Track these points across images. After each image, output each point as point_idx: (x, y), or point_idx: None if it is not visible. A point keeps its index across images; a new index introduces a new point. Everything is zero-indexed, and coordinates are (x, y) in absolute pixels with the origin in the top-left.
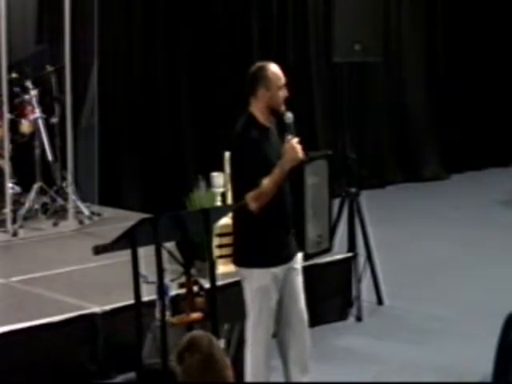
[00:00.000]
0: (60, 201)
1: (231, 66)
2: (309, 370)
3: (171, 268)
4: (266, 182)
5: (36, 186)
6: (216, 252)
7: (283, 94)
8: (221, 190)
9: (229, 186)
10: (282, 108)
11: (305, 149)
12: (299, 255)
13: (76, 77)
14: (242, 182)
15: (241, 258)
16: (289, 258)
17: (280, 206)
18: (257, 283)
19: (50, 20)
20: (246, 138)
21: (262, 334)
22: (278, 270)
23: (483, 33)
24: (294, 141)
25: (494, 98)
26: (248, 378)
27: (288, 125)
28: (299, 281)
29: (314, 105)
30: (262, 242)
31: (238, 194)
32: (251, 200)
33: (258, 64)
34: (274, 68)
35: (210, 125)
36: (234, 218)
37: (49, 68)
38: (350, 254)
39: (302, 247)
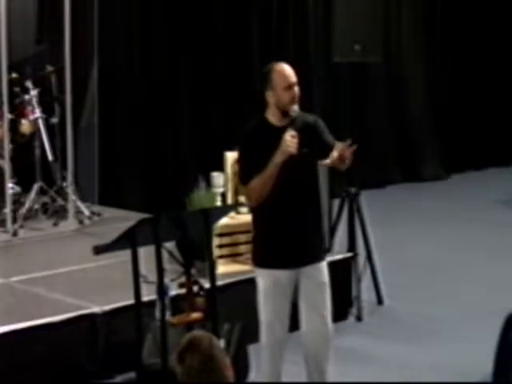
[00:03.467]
0: (60, 201)
1: (231, 65)
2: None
3: (171, 268)
4: (258, 176)
5: (36, 186)
6: (216, 252)
7: (291, 93)
8: (221, 189)
9: (229, 186)
10: (294, 108)
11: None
12: (323, 264)
13: (76, 77)
14: (243, 180)
15: (252, 256)
16: (298, 262)
17: (284, 205)
18: (260, 283)
19: (50, 20)
20: (249, 137)
21: (266, 334)
22: (281, 274)
23: (483, 33)
24: (289, 134)
25: (494, 97)
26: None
27: (291, 118)
28: (318, 290)
29: (314, 105)
30: (265, 242)
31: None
32: (246, 196)
33: (268, 65)
34: (279, 68)
35: (210, 125)
36: (252, 216)
37: (49, 68)
38: (349, 254)
39: None
